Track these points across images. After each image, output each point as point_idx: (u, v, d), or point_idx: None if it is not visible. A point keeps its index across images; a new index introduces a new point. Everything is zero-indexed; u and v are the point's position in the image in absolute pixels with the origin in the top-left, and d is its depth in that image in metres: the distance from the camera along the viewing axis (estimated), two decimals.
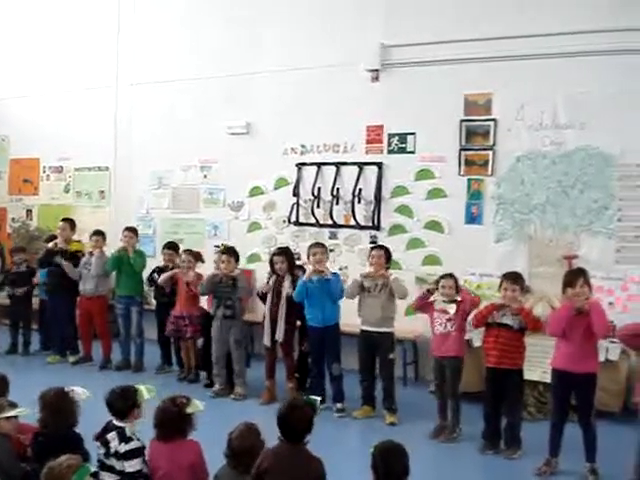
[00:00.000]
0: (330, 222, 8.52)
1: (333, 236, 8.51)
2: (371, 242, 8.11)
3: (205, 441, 3.94)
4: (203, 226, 9.50)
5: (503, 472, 5.40)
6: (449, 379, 5.99)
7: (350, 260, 8.30)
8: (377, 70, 8.20)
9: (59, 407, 4.10)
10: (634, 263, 7.00)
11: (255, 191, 9.09)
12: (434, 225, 7.97)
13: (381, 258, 6.52)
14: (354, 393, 6.65)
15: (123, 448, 3.81)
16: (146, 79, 9.83)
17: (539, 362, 6.35)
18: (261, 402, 6.89)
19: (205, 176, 9.49)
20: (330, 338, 6.68)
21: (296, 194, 8.76)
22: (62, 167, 10.73)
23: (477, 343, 6.50)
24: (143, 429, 4.01)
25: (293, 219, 8.79)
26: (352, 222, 8.38)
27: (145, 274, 8.27)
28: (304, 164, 8.72)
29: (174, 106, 9.58)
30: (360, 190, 8.33)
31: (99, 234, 8.35)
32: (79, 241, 8.76)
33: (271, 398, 6.89)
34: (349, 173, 8.42)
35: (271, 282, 6.98)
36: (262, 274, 7.80)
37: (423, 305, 6.15)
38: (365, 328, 6.53)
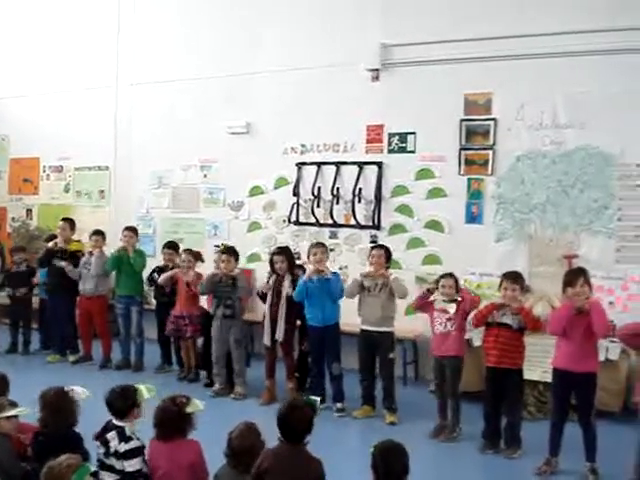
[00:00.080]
0: (330, 222, 8.52)
1: (333, 236, 8.51)
2: (371, 242, 8.11)
3: (205, 441, 3.94)
4: (203, 226, 9.49)
5: (503, 472, 5.40)
6: (449, 379, 5.99)
7: (350, 260, 8.30)
8: (377, 70, 8.20)
9: (59, 407, 4.10)
10: (634, 262, 7.00)
11: (255, 191, 9.09)
12: (434, 225, 7.97)
13: (381, 258, 6.52)
14: (354, 393, 6.65)
15: (123, 447, 3.80)
16: (146, 79, 9.83)
17: (539, 362, 6.35)
18: (261, 402, 6.89)
19: (205, 176, 9.49)
20: (330, 338, 6.68)
21: (296, 194, 8.76)
22: (62, 167, 10.73)
23: (477, 342, 6.50)
24: (143, 428, 4.01)
25: (293, 219, 8.79)
26: (352, 222, 8.38)
27: (145, 274, 8.27)
28: (304, 164, 8.72)
29: (174, 106, 9.58)
30: (360, 190, 8.33)
31: (99, 234, 8.35)
32: (79, 241, 8.76)
33: (271, 398, 6.89)
34: (349, 173, 8.42)
35: (271, 282, 6.97)
36: (262, 274, 7.79)
37: (423, 305, 6.15)
38: (365, 328, 6.53)
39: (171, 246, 8.24)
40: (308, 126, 8.59)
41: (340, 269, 8.00)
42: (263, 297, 7.12)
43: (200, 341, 7.64)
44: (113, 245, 8.47)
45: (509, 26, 7.38)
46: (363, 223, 8.33)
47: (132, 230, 8.26)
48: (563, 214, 7.31)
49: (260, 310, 7.55)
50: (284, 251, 7.10)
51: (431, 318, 6.09)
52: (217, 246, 8.49)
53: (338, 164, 8.47)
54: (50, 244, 8.42)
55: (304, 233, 8.72)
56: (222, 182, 9.33)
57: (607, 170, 7.11)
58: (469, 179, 7.78)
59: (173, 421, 3.87)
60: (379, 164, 8.23)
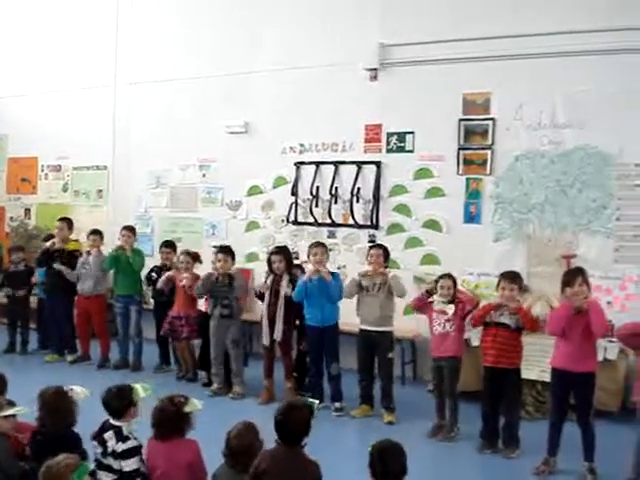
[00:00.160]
0: (329, 221, 8.52)
1: (332, 235, 8.51)
2: (370, 241, 8.11)
3: (203, 440, 3.94)
4: (201, 225, 9.49)
5: (501, 471, 5.40)
6: (447, 379, 5.99)
7: (349, 259, 8.29)
8: (376, 69, 8.19)
9: (58, 406, 4.10)
10: (632, 262, 7.01)
11: (253, 190, 9.09)
12: (432, 224, 7.97)
13: (379, 257, 6.52)
14: (352, 392, 6.65)
15: (120, 447, 3.80)
16: (144, 78, 9.82)
17: (537, 361, 6.36)
18: (259, 401, 6.89)
19: (203, 175, 9.49)
20: (329, 338, 6.67)
21: (294, 193, 8.75)
22: (60, 166, 10.73)
23: (475, 342, 6.50)
24: (141, 428, 4.00)
25: (292, 218, 8.78)
26: (351, 221, 8.38)
27: (143, 273, 8.26)
28: (303, 163, 8.71)
29: (172, 105, 9.57)
30: (359, 189, 8.33)
31: (96, 233, 8.35)
32: (77, 240, 8.76)
33: (269, 397, 6.89)
34: (348, 172, 8.42)
35: (269, 282, 6.96)
36: (260, 273, 7.78)
37: (421, 305, 6.15)
38: (364, 327, 6.53)
39: (168, 245, 8.24)
40: (307, 126, 8.59)
41: (338, 268, 7.99)
42: (261, 297, 7.11)
43: (196, 342, 7.65)
44: (111, 245, 8.46)
45: (508, 26, 7.37)
46: (361, 223, 8.33)
47: (130, 230, 8.25)
48: (561, 214, 7.32)
49: (258, 310, 7.55)
50: (282, 251, 7.09)
51: (430, 319, 6.08)
52: (215, 247, 8.48)
53: (336, 164, 8.47)
54: (47, 244, 8.41)
55: (302, 233, 8.72)
56: (220, 182, 9.33)
57: (606, 170, 7.11)
58: (467, 179, 7.78)
59: (171, 421, 3.87)
60: (377, 164, 8.23)
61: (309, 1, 8.67)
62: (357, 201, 8.34)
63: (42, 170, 10.94)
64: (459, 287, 6.30)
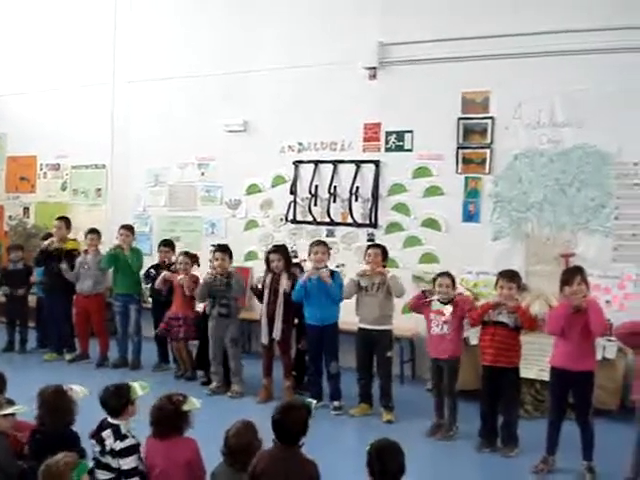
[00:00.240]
0: (327, 220, 8.52)
1: (330, 234, 8.50)
2: (368, 240, 8.11)
3: (202, 439, 3.94)
4: (200, 224, 9.48)
5: (500, 470, 5.40)
6: (446, 378, 5.98)
7: (347, 258, 8.28)
8: (375, 68, 8.19)
9: (57, 405, 4.10)
10: (631, 261, 7.01)
11: (252, 189, 9.08)
12: (431, 223, 7.97)
13: (378, 257, 6.50)
14: (351, 391, 6.65)
15: (118, 446, 3.80)
16: (143, 76, 9.81)
17: (536, 360, 6.36)
18: (258, 400, 6.89)
19: (202, 174, 9.48)
20: (328, 337, 6.66)
21: (293, 192, 8.75)
22: (59, 165, 10.71)
23: (474, 341, 6.49)
24: (139, 427, 4.01)
25: (290, 217, 8.78)
26: (349, 220, 8.38)
27: (142, 272, 8.26)
28: (301, 162, 8.71)
29: (171, 104, 9.56)
30: (357, 188, 8.33)
31: (94, 232, 8.35)
32: (75, 239, 8.74)
33: (268, 396, 6.89)
34: (346, 171, 8.41)
35: (267, 280, 6.95)
36: (259, 272, 7.78)
37: (418, 305, 6.14)
38: (363, 326, 6.52)
39: (167, 244, 8.25)
40: (305, 124, 8.58)
41: (337, 267, 7.97)
42: (257, 294, 7.11)
43: (193, 343, 7.66)
44: (110, 243, 8.45)
45: (507, 25, 7.37)
46: (360, 221, 8.32)
47: (129, 229, 8.23)
48: (560, 213, 7.32)
49: (257, 309, 7.54)
50: (280, 249, 7.07)
51: (427, 319, 6.08)
52: (213, 245, 8.48)
53: (335, 162, 8.47)
54: (45, 243, 8.40)
55: (301, 231, 8.71)
56: (219, 180, 9.32)
57: (604, 169, 7.11)
58: (466, 177, 7.78)
59: (170, 419, 3.86)
60: (376, 162, 8.23)
61: (308, 0, 8.67)
62: (356, 200, 8.34)
63: (41, 169, 10.91)
64: (457, 293, 6.28)
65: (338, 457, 5.17)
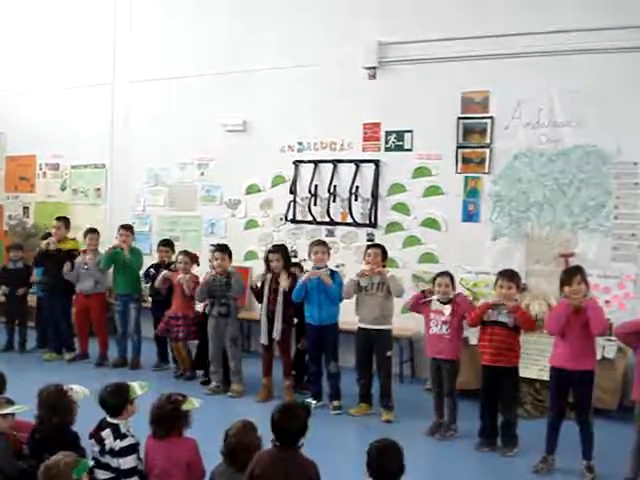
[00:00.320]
0: (327, 220, 8.52)
1: (330, 234, 8.50)
2: (368, 239, 8.12)
3: (201, 438, 3.94)
4: (200, 224, 9.48)
5: (500, 469, 5.40)
6: (446, 379, 5.98)
7: (347, 258, 8.28)
8: (374, 68, 8.18)
9: (57, 405, 4.10)
10: (630, 261, 7.01)
11: (252, 189, 9.08)
12: (431, 223, 7.97)
13: (377, 256, 6.50)
14: (351, 390, 6.64)
15: (118, 445, 3.80)
16: (143, 76, 9.80)
17: (536, 360, 6.36)
18: (258, 400, 6.88)
19: (202, 174, 9.48)
20: (328, 336, 6.66)
21: (293, 192, 8.75)
22: (58, 164, 10.70)
23: (474, 341, 6.49)
24: (139, 426, 4.01)
25: (290, 217, 8.78)
26: (349, 220, 8.38)
27: (141, 271, 8.26)
28: (301, 161, 8.71)
29: (171, 103, 9.56)
30: (357, 188, 8.33)
31: (93, 232, 8.35)
32: (74, 239, 8.74)
33: (268, 396, 6.89)
34: (346, 170, 8.41)
35: (267, 280, 6.95)
36: (259, 272, 7.76)
37: (417, 305, 6.14)
38: (363, 326, 6.51)
39: (166, 244, 8.25)
40: (305, 124, 8.58)
41: (337, 267, 7.97)
42: (256, 293, 7.11)
43: (192, 342, 7.65)
44: (110, 243, 8.44)
45: (506, 24, 7.37)
46: (360, 221, 8.32)
47: (128, 228, 8.23)
48: (560, 212, 7.32)
49: (257, 308, 7.54)
50: (279, 249, 7.06)
51: (426, 319, 6.07)
52: (212, 245, 8.48)
53: (335, 162, 8.47)
54: (43, 244, 8.39)
55: (301, 231, 8.71)
56: (219, 180, 9.32)
57: (604, 168, 7.11)
58: (466, 177, 7.78)
59: (169, 419, 3.87)
60: (376, 162, 8.22)
61: (308, 0, 8.66)
62: (356, 199, 8.34)
63: (40, 168, 10.91)
64: (456, 294, 6.27)
65: (337, 457, 5.17)
